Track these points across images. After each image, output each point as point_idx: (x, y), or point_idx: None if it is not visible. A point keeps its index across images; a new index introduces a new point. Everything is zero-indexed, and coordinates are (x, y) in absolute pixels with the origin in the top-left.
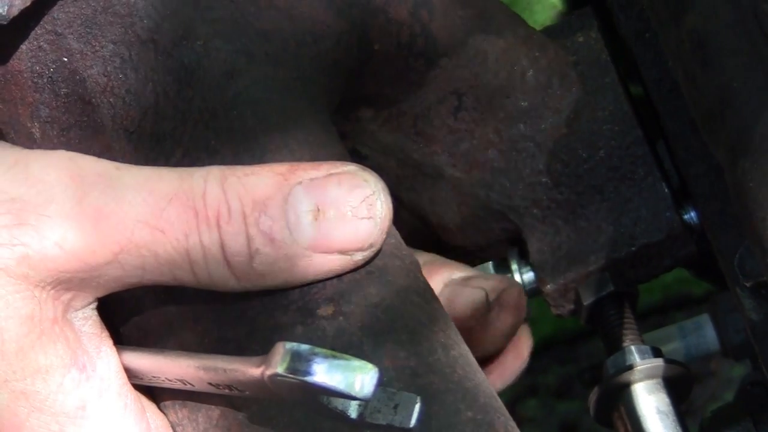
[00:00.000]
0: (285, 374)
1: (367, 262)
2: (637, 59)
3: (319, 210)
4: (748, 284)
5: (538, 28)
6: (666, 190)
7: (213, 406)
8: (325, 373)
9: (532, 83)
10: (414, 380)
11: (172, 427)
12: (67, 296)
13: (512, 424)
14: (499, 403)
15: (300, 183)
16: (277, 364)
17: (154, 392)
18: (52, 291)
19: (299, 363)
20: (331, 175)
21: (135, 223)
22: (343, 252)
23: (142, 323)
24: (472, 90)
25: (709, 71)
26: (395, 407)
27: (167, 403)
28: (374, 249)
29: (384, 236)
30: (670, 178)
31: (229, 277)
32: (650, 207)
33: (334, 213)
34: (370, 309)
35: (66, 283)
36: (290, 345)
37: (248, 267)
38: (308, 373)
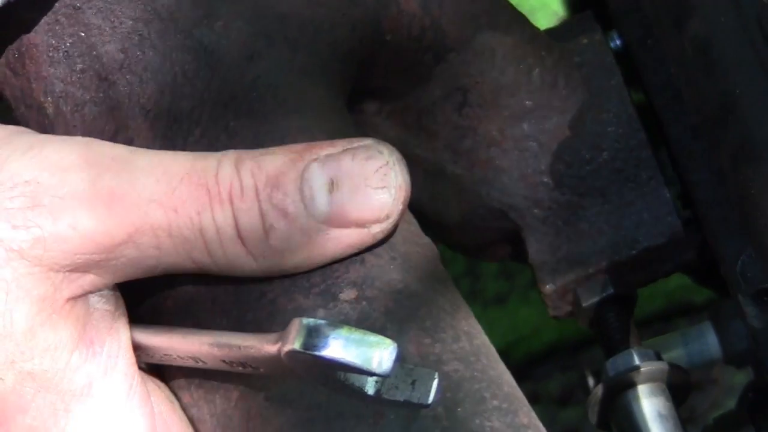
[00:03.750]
0: (301, 350)
1: (387, 236)
2: (639, 65)
3: (333, 183)
4: (750, 291)
5: None
6: (668, 194)
7: (231, 387)
8: (342, 348)
9: (537, 82)
10: (439, 367)
11: (186, 408)
12: (84, 279)
13: (533, 415)
14: (521, 394)
15: (316, 159)
16: (294, 340)
17: (165, 373)
18: (68, 273)
19: (316, 339)
20: (346, 150)
21: (148, 203)
22: (359, 225)
23: (157, 304)
24: (477, 87)
25: (712, 77)
26: (413, 383)
27: (181, 382)
28: (392, 220)
29: (401, 207)
30: (673, 184)
31: (246, 256)
32: (652, 210)
33: (347, 185)
34: (394, 295)
35: (83, 265)
36: (307, 320)
37: (264, 244)
38: (325, 348)
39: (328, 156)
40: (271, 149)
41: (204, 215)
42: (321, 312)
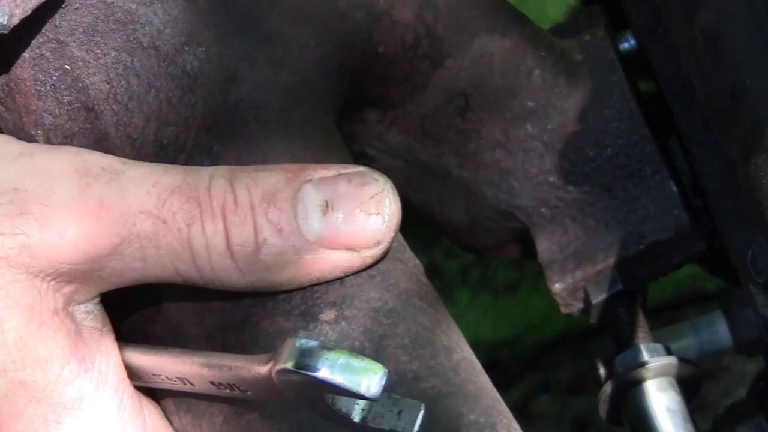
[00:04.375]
0: (293, 369)
1: (375, 262)
2: (649, 55)
3: (327, 205)
4: (761, 280)
5: (549, 24)
6: (674, 188)
7: (217, 412)
8: (333, 370)
9: (538, 83)
10: (416, 384)
11: None
12: (68, 289)
13: (515, 426)
14: (503, 406)
15: (310, 180)
16: (286, 359)
17: (156, 398)
18: (53, 282)
19: (308, 359)
20: (340, 174)
21: (137, 215)
22: (350, 248)
23: (144, 329)
24: (478, 90)
25: (722, 67)
26: (399, 413)
27: (171, 408)
28: (382, 247)
29: (392, 235)
30: (683, 174)
31: (234, 271)
32: (658, 205)
33: (342, 208)
34: (372, 313)
35: (67, 275)
36: (300, 341)
37: (254, 259)
38: (316, 369)
39: (321, 179)
40: (264, 166)
41: (193, 228)
42: (302, 333)
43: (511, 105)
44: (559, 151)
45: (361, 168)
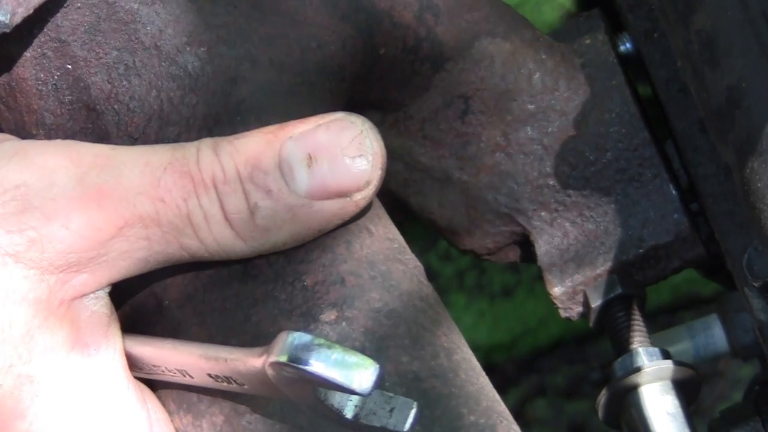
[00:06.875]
0: (286, 362)
1: (370, 204)
2: (645, 59)
3: (311, 158)
4: (756, 284)
5: (546, 28)
6: (674, 192)
7: (217, 412)
8: (325, 364)
9: (538, 86)
10: (416, 384)
11: None
12: (78, 279)
13: (515, 428)
14: (503, 407)
15: (290, 138)
16: (279, 352)
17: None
18: (62, 274)
19: (300, 353)
20: (319, 125)
21: (135, 196)
22: (341, 194)
23: (145, 329)
24: (478, 93)
25: (718, 71)
26: (391, 410)
27: (172, 408)
28: (372, 187)
29: (380, 172)
30: (679, 178)
31: (235, 239)
32: (658, 209)
33: (325, 157)
34: (373, 314)
35: (76, 264)
36: (293, 335)
37: (250, 224)
38: (308, 363)
39: (302, 133)
40: (246, 133)
41: (190, 201)
42: None
43: (511, 108)
44: (559, 155)
45: (339, 114)
